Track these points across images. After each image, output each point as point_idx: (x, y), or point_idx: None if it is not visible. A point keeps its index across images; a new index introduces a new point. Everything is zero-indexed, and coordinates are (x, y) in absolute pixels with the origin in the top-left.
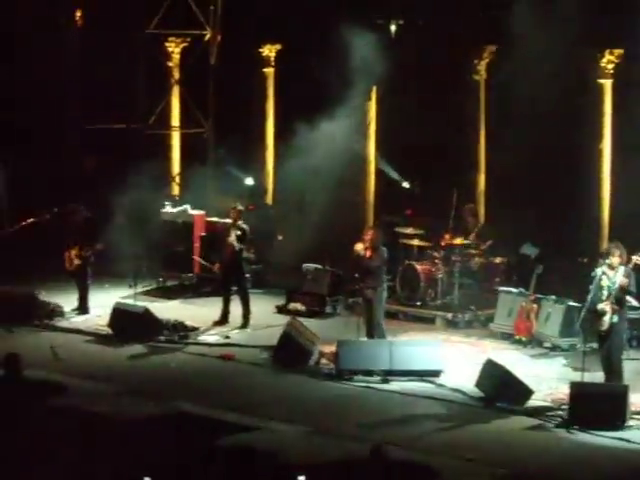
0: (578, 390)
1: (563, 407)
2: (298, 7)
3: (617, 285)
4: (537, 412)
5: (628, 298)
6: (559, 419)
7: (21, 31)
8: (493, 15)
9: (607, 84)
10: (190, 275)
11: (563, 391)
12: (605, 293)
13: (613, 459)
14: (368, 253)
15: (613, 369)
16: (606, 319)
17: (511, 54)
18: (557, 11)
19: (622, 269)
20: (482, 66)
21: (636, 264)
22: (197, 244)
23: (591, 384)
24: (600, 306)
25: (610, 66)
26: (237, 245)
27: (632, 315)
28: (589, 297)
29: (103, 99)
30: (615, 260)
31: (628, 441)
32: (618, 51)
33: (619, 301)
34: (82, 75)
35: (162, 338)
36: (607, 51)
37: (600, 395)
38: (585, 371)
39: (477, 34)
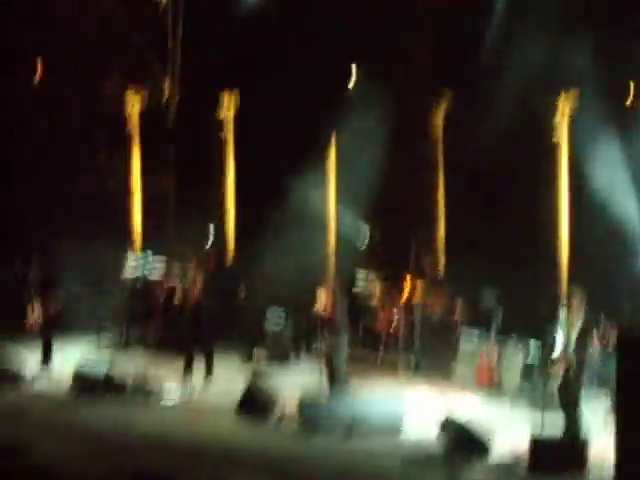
0: (538, 445)
1: (523, 462)
2: (254, 55)
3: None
4: (497, 468)
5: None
6: (519, 473)
7: None
8: (449, 62)
9: (563, 138)
10: (153, 333)
11: (524, 441)
12: (562, 344)
13: None
14: (328, 309)
15: (572, 416)
16: (559, 378)
17: (467, 101)
18: (513, 55)
19: (580, 320)
20: (439, 118)
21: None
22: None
23: (551, 438)
24: (555, 368)
25: (566, 110)
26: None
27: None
28: (548, 345)
29: (62, 160)
30: (574, 305)
31: None
32: (573, 93)
33: (579, 351)
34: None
35: (125, 394)
36: (562, 94)
37: (560, 449)
38: (545, 418)
39: (433, 81)
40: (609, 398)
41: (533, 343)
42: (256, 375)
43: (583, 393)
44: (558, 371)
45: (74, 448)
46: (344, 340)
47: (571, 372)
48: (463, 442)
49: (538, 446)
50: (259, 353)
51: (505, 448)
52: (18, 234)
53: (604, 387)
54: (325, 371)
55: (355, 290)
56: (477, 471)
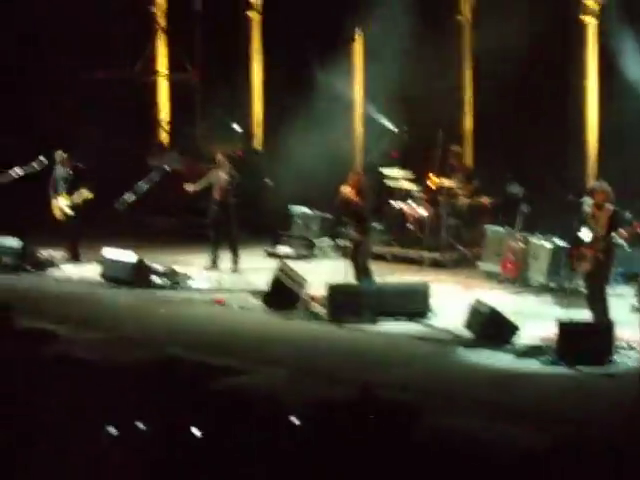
0: (565, 328)
1: (550, 345)
2: None
3: (604, 229)
4: (525, 350)
5: (615, 235)
6: (547, 356)
7: None
8: None
9: (592, 22)
10: (178, 220)
11: (551, 329)
12: (589, 234)
13: (597, 392)
14: (355, 197)
15: (597, 306)
16: (586, 264)
17: None
18: None
19: (607, 208)
20: (466, 6)
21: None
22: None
23: (577, 321)
24: (583, 250)
25: (594, 4)
26: (227, 186)
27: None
28: (575, 235)
29: (87, 47)
30: (600, 198)
31: (612, 375)
32: None
33: (606, 242)
34: (67, 22)
35: (153, 284)
36: None
37: (586, 332)
38: (571, 309)
39: None
40: (635, 292)
41: (559, 239)
42: (282, 267)
43: (610, 287)
44: (585, 256)
45: (100, 335)
46: (369, 234)
47: (599, 257)
48: (492, 324)
49: (566, 329)
50: (284, 246)
51: (533, 333)
52: (39, 129)
53: (630, 284)
54: (351, 263)
55: (381, 184)
56: (506, 352)
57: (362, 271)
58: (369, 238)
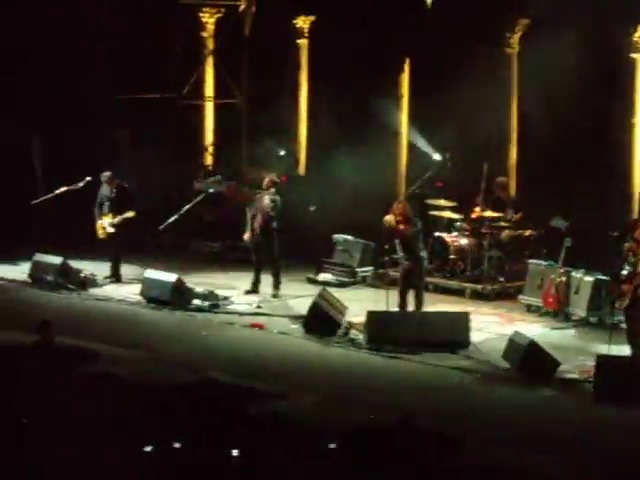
0: (604, 363)
1: (589, 379)
2: None
3: None
4: (563, 384)
5: None
6: (585, 391)
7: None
8: None
9: None
10: (221, 245)
11: (590, 364)
12: (629, 269)
13: (636, 429)
14: (401, 226)
15: (637, 342)
16: (626, 300)
17: (544, 27)
18: None
19: None
20: (515, 39)
21: None
22: (228, 214)
23: (617, 357)
24: (623, 286)
25: None
26: (270, 211)
27: None
28: (617, 271)
29: (137, 69)
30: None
31: None
32: None
33: None
34: (117, 45)
35: (193, 306)
36: None
37: (626, 368)
38: (612, 344)
39: (510, 6)
40: None
41: (601, 273)
42: (322, 293)
43: None
44: (625, 292)
45: (141, 355)
46: (420, 261)
47: (638, 292)
48: (531, 356)
49: (604, 364)
50: (326, 273)
51: (572, 367)
52: (87, 149)
53: None
54: (399, 293)
55: (425, 214)
56: (545, 385)
57: (416, 295)
58: (422, 263)
